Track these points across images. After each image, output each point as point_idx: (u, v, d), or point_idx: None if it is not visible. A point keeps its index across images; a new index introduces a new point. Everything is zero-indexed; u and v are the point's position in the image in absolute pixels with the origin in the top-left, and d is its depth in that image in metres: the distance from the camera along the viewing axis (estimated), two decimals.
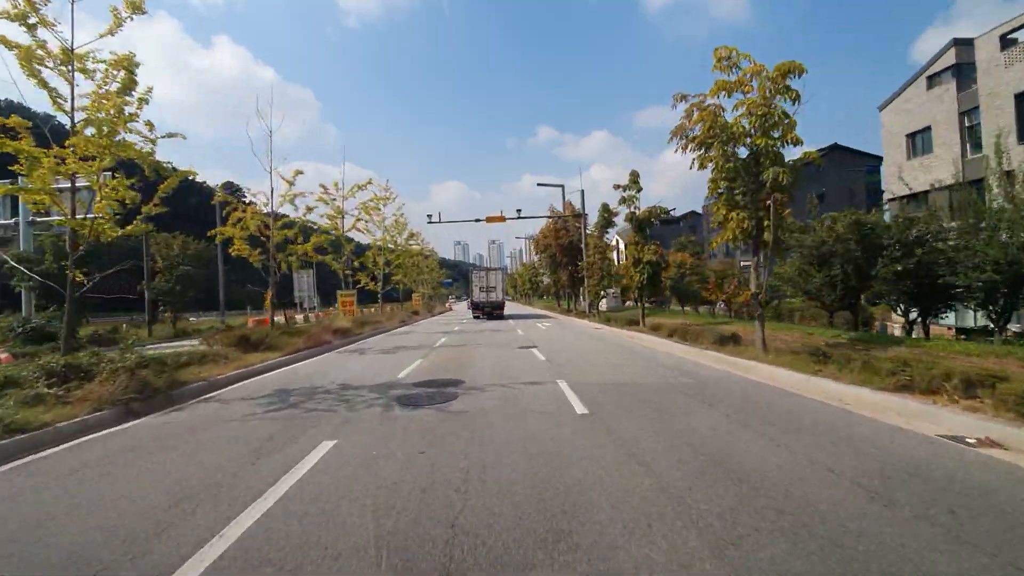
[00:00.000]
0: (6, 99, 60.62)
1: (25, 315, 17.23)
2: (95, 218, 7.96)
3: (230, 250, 13.74)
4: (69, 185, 7.91)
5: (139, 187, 8.58)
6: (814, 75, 9.34)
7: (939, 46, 24.55)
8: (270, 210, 14.19)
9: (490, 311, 30.44)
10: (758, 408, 5.85)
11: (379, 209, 26.54)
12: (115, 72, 7.61)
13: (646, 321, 16.86)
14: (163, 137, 8.76)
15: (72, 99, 7.49)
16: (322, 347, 13.53)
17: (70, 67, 7.37)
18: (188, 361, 9.23)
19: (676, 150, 10.36)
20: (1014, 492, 3.28)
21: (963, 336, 13.70)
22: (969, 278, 10.13)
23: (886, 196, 27.71)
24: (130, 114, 7.83)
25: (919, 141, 24.81)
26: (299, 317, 41.62)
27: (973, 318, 16.62)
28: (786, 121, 9.00)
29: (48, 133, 7.71)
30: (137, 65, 7.77)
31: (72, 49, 7.40)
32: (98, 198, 8.03)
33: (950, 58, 23.39)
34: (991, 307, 10.60)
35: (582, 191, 25.49)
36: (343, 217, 20.14)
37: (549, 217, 29.72)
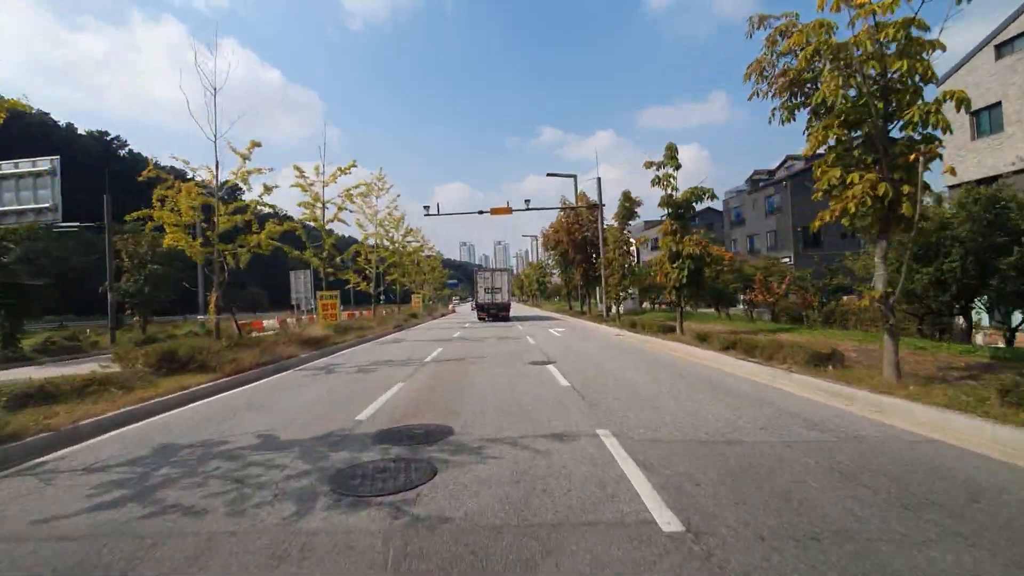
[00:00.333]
0: None
1: None
2: None
3: (164, 241, 10.99)
4: None
5: None
6: None
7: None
8: (219, 192, 11.37)
9: (496, 313, 29.24)
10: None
11: (368, 197, 23.77)
12: None
13: (684, 327, 13.91)
14: None
15: None
16: (279, 364, 10.68)
17: None
18: (58, 392, 6.41)
19: (753, 95, 7.43)
20: None
21: None
22: None
23: (944, 181, 24.63)
24: None
25: (986, 119, 21.66)
26: (291, 321, 39.05)
27: None
28: (928, 38, 6.04)
29: None
30: None
31: None
32: None
33: None
34: None
35: (598, 179, 22.61)
36: (324, 207, 17.33)
37: (561, 209, 26.81)
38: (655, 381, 7.97)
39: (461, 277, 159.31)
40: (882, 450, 4.31)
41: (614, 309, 22.80)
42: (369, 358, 12.44)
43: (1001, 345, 12.65)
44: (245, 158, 11.62)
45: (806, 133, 6.99)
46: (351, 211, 17.40)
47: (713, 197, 13.11)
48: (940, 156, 6.30)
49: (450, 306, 59.49)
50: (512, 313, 33.61)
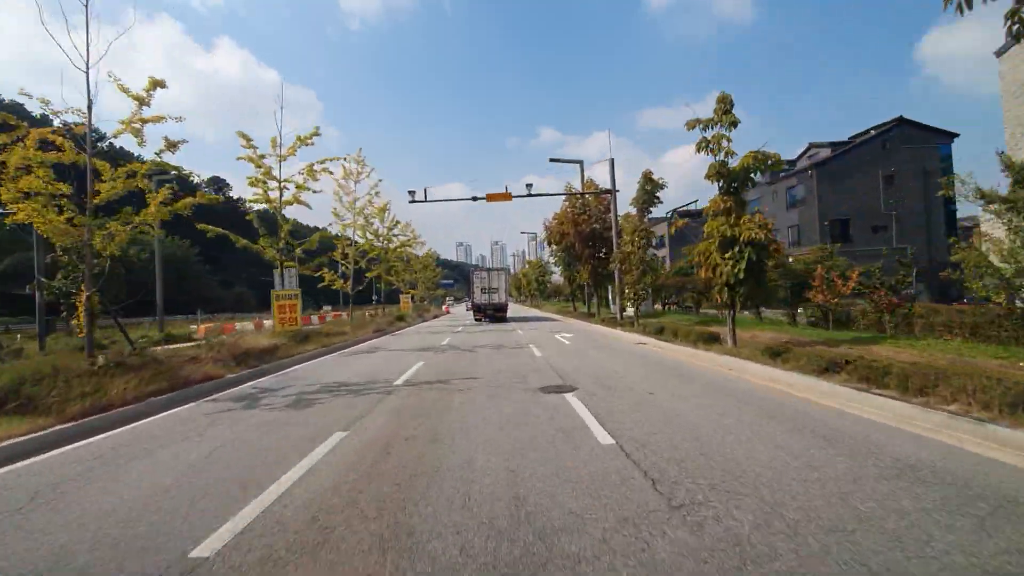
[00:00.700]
0: None
1: None
2: None
3: (7, 219, 7.77)
4: None
5: None
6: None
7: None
8: (92, 146, 8.11)
9: (492, 313, 28.40)
10: None
11: (345, 182, 20.51)
12: None
13: (725, 335, 10.73)
14: None
15: None
16: (180, 393, 7.42)
17: None
18: None
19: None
20: None
21: None
22: None
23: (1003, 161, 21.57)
24: None
25: None
26: (269, 324, 35.72)
27: None
28: None
29: None
30: None
31: None
32: None
33: None
34: None
35: (611, 160, 19.43)
36: (281, 187, 14.08)
37: (567, 196, 23.59)
38: (760, 440, 4.76)
39: (457, 277, 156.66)
40: None
41: (629, 310, 19.63)
42: (321, 379, 9.20)
43: None
44: (142, 101, 8.36)
45: None
46: (314, 191, 14.16)
47: (780, 165, 9.92)
48: None
49: (444, 307, 56.20)
50: (509, 314, 32.61)
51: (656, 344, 13.46)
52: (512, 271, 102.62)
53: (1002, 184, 10.21)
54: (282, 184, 13.96)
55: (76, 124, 8.22)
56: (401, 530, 3.02)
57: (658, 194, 16.76)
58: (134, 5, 10.55)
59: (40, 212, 7.30)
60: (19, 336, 21.32)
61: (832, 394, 6.39)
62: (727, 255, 10.08)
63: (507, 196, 19.63)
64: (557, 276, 60.95)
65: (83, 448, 5.15)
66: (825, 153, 34.14)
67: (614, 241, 19.95)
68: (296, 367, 10.96)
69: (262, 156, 13.35)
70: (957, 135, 35.08)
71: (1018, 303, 10.06)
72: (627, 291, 17.34)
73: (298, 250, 14.47)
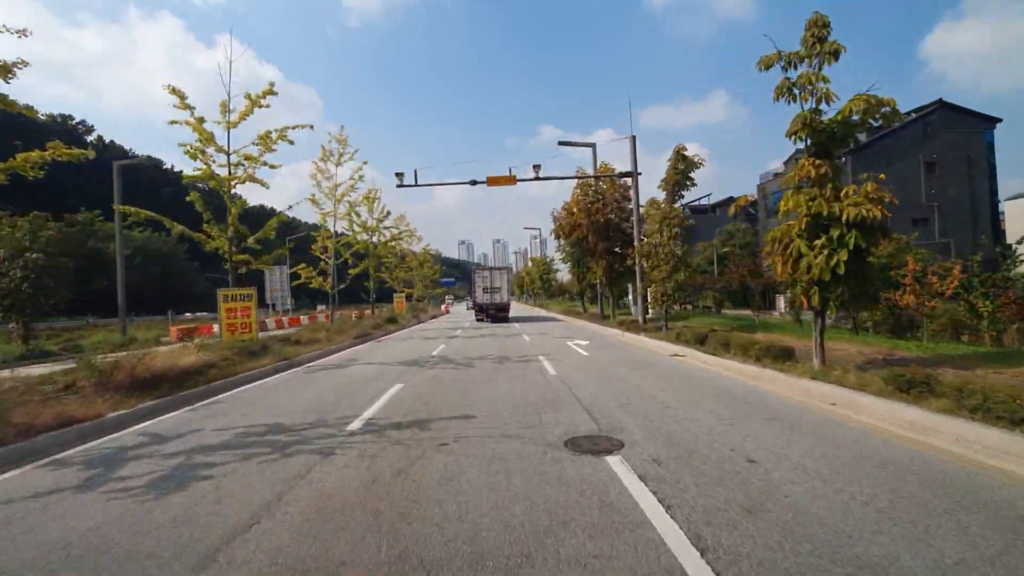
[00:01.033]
0: None
1: None
2: None
3: None
4: None
5: None
6: None
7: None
8: None
9: (494, 313, 27.65)
10: None
11: (324, 164, 17.79)
12: None
13: (794, 346, 7.98)
14: None
15: None
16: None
17: None
18: None
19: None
20: None
21: None
22: None
23: None
24: None
25: None
26: (272, 322, 32.97)
27: None
28: None
29: None
30: None
31: None
32: None
33: None
34: None
35: (633, 136, 16.63)
36: (230, 161, 11.31)
37: (582, 178, 20.77)
38: None
39: (459, 276, 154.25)
40: None
41: (652, 312, 16.87)
42: (249, 415, 6.45)
43: None
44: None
45: None
46: (271, 165, 11.35)
47: (899, 116, 7.09)
48: None
49: (443, 307, 53.45)
50: (512, 313, 31.75)
51: (700, 358, 10.68)
52: (515, 269, 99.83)
53: None
54: (231, 157, 11.19)
55: None
56: None
57: (692, 174, 13.98)
58: (135, 3, 7.82)
59: None
60: None
61: None
62: (818, 242, 7.29)
63: (510, 179, 16.85)
64: (563, 274, 58.34)
65: None
66: (859, 137, 31.26)
67: (635, 232, 17.16)
68: (230, 394, 8.20)
69: (201, 120, 10.57)
70: (999, 120, 32.20)
71: None
72: (654, 289, 14.54)
73: (251, 239, 11.74)
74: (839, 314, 19.48)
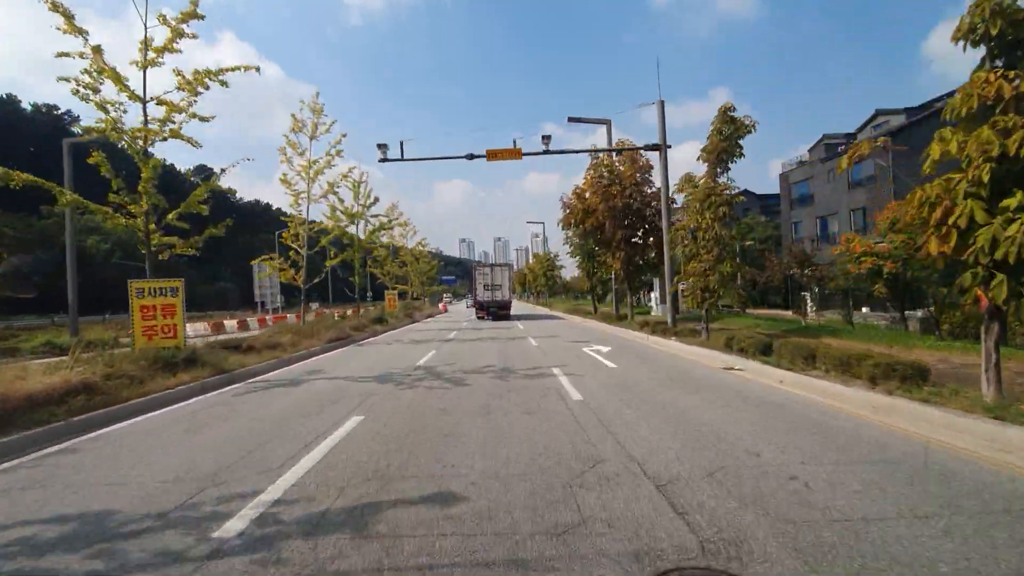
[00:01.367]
0: None
1: None
2: None
3: None
4: None
5: None
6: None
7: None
8: None
9: (495, 311, 27.10)
10: None
11: (296, 137, 15.08)
12: None
13: (900, 361, 5.25)
14: None
15: None
16: None
17: None
18: None
19: None
20: None
21: None
22: None
23: None
24: None
25: None
26: (229, 324, 30.18)
27: None
28: None
29: None
30: None
31: None
32: None
33: None
34: None
35: (661, 102, 13.84)
36: (146, 109, 8.57)
37: (599, 151, 17.94)
38: None
39: (460, 273, 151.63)
40: None
41: (684, 308, 14.12)
42: (64, 500, 3.73)
43: None
44: None
45: None
46: (202, 117, 8.61)
47: None
48: None
49: (441, 304, 50.64)
50: (513, 311, 31.23)
51: (771, 375, 7.92)
52: (516, 267, 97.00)
53: None
54: (148, 107, 8.43)
55: None
56: None
57: (742, 141, 11.21)
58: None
59: None
60: None
61: None
62: (1010, 201, 4.53)
63: (515, 153, 14.09)
64: (568, 271, 55.51)
65: None
66: (898, 122, 28.43)
67: (663, 216, 14.39)
68: (98, 433, 5.46)
69: (98, 49, 7.78)
70: None
71: None
72: (692, 284, 11.75)
73: (172, 215, 9.03)
74: (892, 314, 16.76)
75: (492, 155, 14.18)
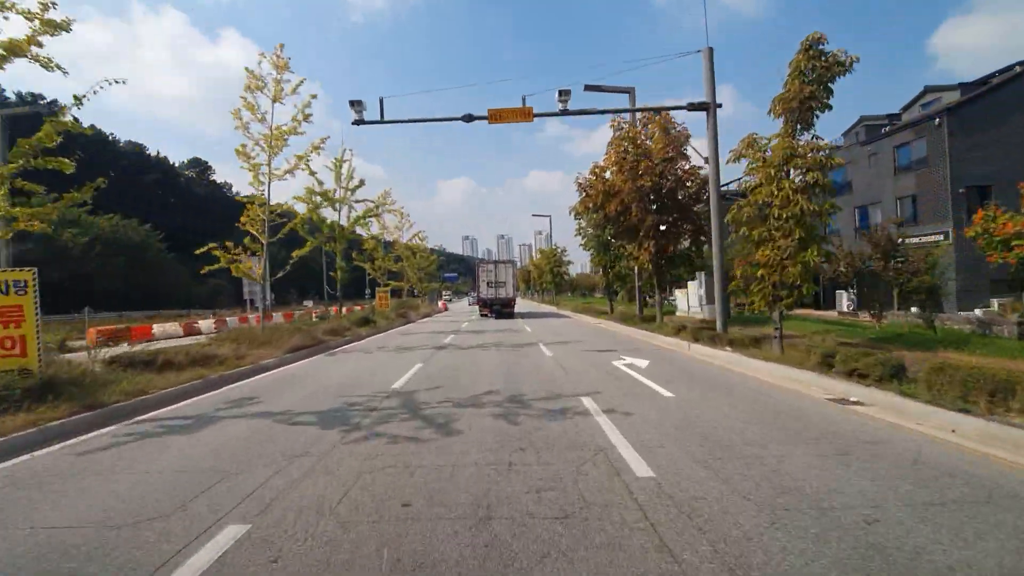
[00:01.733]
0: None
1: None
2: None
3: None
4: None
5: None
6: None
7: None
8: None
9: (499, 309, 26.63)
10: None
11: (251, 95, 12.29)
12: None
13: None
14: None
15: None
16: None
17: None
18: None
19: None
20: None
21: None
22: None
23: None
24: None
25: None
26: (203, 325, 27.33)
27: None
28: None
29: None
30: None
31: None
32: None
33: None
34: None
35: (710, 49, 10.89)
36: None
37: (627, 112, 14.93)
38: None
39: (463, 271, 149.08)
40: None
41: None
42: None
43: None
44: None
45: None
46: (62, 26, 5.79)
47: None
48: None
49: (440, 303, 47.73)
50: (519, 310, 30.50)
51: (925, 419, 5.00)
52: (519, 264, 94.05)
53: None
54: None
55: None
56: None
57: (832, 84, 8.27)
58: None
59: None
60: None
61: None
62: None
63: (524, 114, 11.13)
64: (576, 267, 52.29)
65: None
66: (950, 99, 25.31)
67: (712, 194, 11.46)
68: None
69: None
70: None
71: None
72: (763, 276, 8.80)
73: (7, 169, 6.23)
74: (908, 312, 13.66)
75: (496, 116, 11.25)
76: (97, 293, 47.11)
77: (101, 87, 6.92)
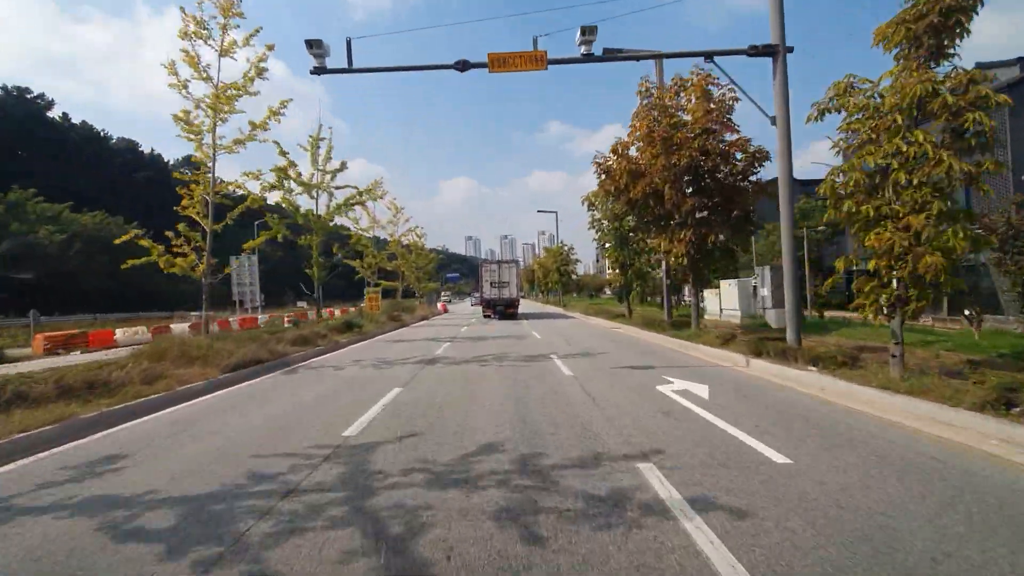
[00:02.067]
0: None
1: None
2: None
3: None
4: None
5: None
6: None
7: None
8: None
9: (502, 309, 26.23)
10: None
11: (191, 44, 9.77)
12: None
13: None
14: None
15: None
16: None
17: None
18: None
19: None
20: None
21: None
22: None
23: None
24: None
25: None
26: (177, 327, 24.75)
27: None
28: None
29: None
30: None
31: None
32: None
33: None
34: None
35: None
36: None
37: (664, 58, 12.23)
38: None
39: (465, 271, 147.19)
40: None
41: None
42: None
43: None
44: None
45: None
46: None
47: None
48: None
49: (439, 304, 45.08)
50: (524, 311, 29.86)
51: None
52: (523, 263, 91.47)
53: None
54: None
55: None
56: None
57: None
58: None
59: None
60: None
61: None
62: None
63: (534, 60, 8.41)
64: (583, 266, 49.79)
65: None
66: (1008, 76, 22.60)
67: (780, 169, 8.89)
68: None
69: None
70: None
71: None
72: (879, 272, 6.19)
73: None
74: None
75: (499, 63, 8.59)
76: (87, 293, 44.81)
77: None
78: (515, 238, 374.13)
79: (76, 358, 13.21)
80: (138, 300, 50.69)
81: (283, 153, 14.47)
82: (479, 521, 3.05)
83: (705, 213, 12.18)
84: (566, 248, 41.94)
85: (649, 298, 31.68)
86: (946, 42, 6.09)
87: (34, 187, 45.72)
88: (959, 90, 5.74)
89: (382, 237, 30.03)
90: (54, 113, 64.88)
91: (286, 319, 18.68)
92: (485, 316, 26.93)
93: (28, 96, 62.36)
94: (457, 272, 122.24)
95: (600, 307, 30.95)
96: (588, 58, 8.78)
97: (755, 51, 8.71)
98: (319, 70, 8.71)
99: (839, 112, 6.99)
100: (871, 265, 6.32)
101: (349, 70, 8.93)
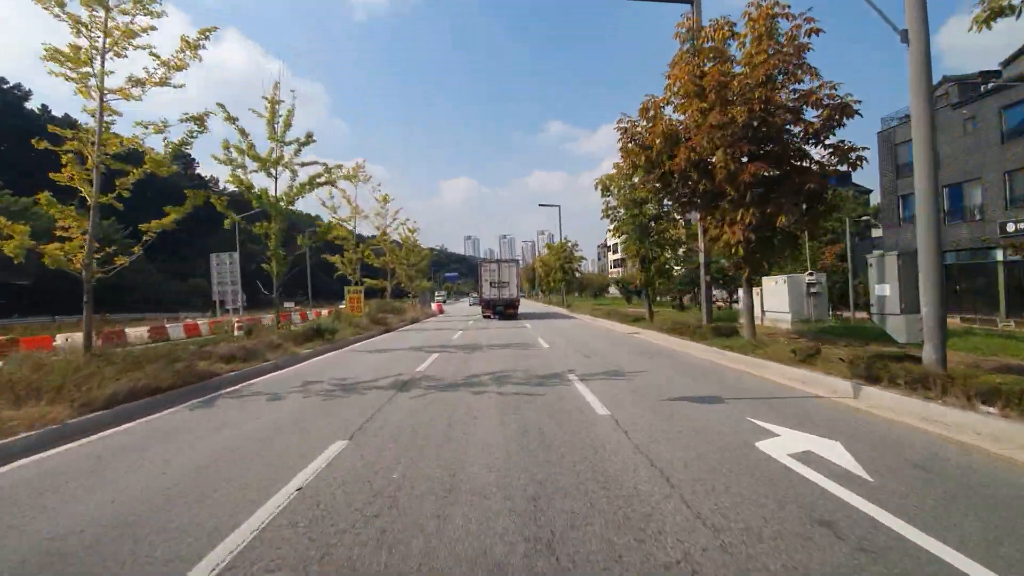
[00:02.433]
0: None
1: None
2: None
3: None
4: None
5: None
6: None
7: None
8: None
9: (502, 309, 25.74)
10: None
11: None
12: None
13: None
14: None
15: None
16: None
17: None
18: None
19: None
20: None
21: None
22: None
23: None
24: None
25: None
26: (167, 330, 21.74)
27: None
28: None
29: None
30: None
31: None
32: None
33: None
34: None
35: None
36: None
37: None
38: None
39: (464, 271, 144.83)
40: None
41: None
42: None
43: None
44: None
45: None
46: None
47: None
48: None
49: (435, 305, 42.17)
50: (522, 311, 29.14)
51: None
52: (522, 263, 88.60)
53: None
54: None
55: None
56: None
57: None
58: None
59: None
60: None
61: None
62: None
63: None
64: (587, 264, 46.95)
65: None
66: None
67: (916, 109, 6.07)
68: None
69: None
70: None
71: None
72: None
73: None
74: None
75: None
76: (62, 293, 41.84)
77: None
78: (514, 238, 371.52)
79: None
80: (127, 303, 47.88)
81: (230, 119, 11.67)
82: None
83: (763, 189, 9.38)
84: (570, 244, 39.22)
85: (659, 297, 29.02)
86: None
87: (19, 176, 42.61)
88: None
89: (367, 234, 27.23)
90: (33, 104, 61.73)
91: (236, 325, 15.83)
92: (484, 316, 26.52)
93: (4, 86, 59.26)
94: (456, 272, 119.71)
95: (608, 308, 28.17)
96: None
97: None
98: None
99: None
100: None
101: None
